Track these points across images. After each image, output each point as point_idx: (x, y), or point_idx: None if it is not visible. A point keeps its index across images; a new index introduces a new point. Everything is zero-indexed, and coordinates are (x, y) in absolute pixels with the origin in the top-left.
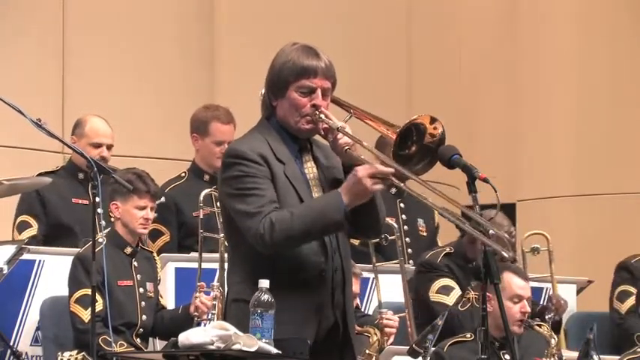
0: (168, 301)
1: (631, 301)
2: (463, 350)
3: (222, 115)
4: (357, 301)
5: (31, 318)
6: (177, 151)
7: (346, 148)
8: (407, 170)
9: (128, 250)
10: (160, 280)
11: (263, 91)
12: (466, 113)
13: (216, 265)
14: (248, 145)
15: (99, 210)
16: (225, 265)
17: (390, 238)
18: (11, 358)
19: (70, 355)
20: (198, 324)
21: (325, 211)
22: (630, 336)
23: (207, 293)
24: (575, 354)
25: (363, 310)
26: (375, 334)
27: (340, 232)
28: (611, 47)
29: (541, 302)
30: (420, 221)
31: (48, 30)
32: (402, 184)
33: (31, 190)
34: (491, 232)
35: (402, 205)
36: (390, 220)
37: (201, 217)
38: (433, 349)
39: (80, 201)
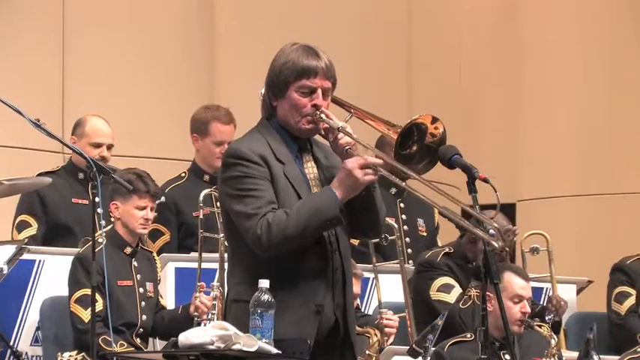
0: (168, 301)
1: (630, 302)
2: (463, 350)
3: (222, 115)
4: (357, 301)
5: (31, 318)
6: (178, 151)
7: (347, 147)
8: (408, 169)
9: (128, 250)
10: (159, 280)
11: (263, 91)
12: (466, 113)
13: (216, 265)
14: (248, 146)
15: (99, 210)
16: (225, 265)
17: (390, 238)
18: (11, 358)
19: (70, 356)
20: (198, 324)
21: (320, 207)
22: (633, 336)
23: (207, 293)
24: (575, 354)
25: (363, 310)
26: (376, 334)
27: (340, 232)
28: (612, 48)
29: (541, 302)
30: (420, 221)
31: (48, 30)
32: (404, 184)
33: (31, 190)
34: (491, 231)
35: (402, 205)
36: (390, 220)
37: (201, 217)
38: (433, 349)
39: (80, 201)
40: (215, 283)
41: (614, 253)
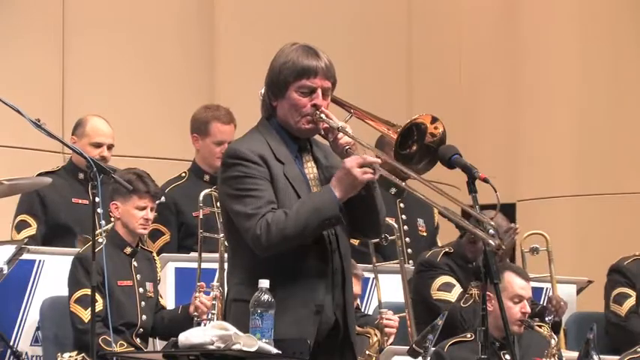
0: (168, 301)
1: (630, 303)
2: (463, 350)
3: (222, 115)
4: (357, 301)
5: (31, 318)
6: (178, 151)
7: (347, 147)
8: (408, 169)
9: (128, 250)
10: (159, 280)
11: (263, 91)
12: (466, 113)
13: (216, 265)
14: (247, 146)
15: (99, 210)
16: (225, 265)
17: (390, 238)
18: (11, 358)
19: (70, 356)
20: (198, 324)
21: (319, 207)
22: (635, 337)
23: (207, 293)
24: (575, 354)
25: (363, 310)
26: (376, 334)
27: (340, 232)
28: (612, 48)
29: (541, 302)
30: (420, 221)
31: (48, 30)
32: (403, 184)
33: (31, 190)
34: (491, 231)
35: (401, 205)
36: (390, 220)
37: (201, 217)
38: (433, 349)
39: (80, 201)
40: (215, 283)
41: (614, 253)
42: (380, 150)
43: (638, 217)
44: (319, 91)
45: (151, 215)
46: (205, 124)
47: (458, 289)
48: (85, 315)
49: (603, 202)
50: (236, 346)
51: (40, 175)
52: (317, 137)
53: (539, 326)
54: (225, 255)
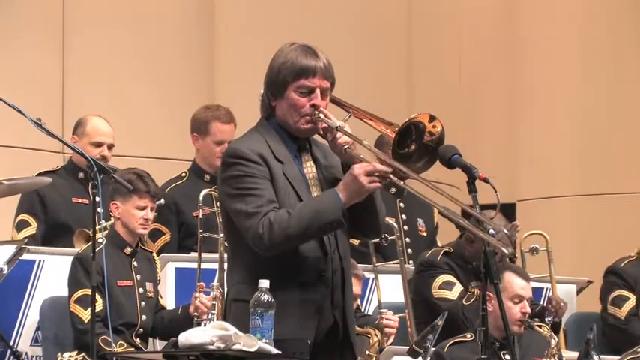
0: (168, 301)
1: (629, 305)
2: (463, 350)
3: (222, 114)
4: (358, 301)
5: (31, 318)
6: (178, 151)
7: (345, 147)
8: (407, 169)
9: (128, 250)
10: (159, 280)
11: (262, 92)
12: (466, 113)
13: (215, 265)
14: (247, 145)
15: (99, 210)
16: (225, 265)
17: (390, 238)
18: (11, 358)
19: (70, 356)
20: (198, 324)
21: (323, 210)
22: (637, 339)
23: (207, 293)
24: (575, 354)
25: (363, 310)
26: (376, 334)
27: (339, 233)
28: (612, 48)
29: (540, 302)
30: (420, 221)
31: (48, 30)
32: (402, 183)
33: (31, 190)
34: (491, 231)
35: (401, 205)
36: (390, 220)
37: (201, 217)
38: (433, 349)
39: (80, 200)
40: (215, 283)
41: (614, 253)
42: (379, 150)
43: (638, 217)
44: (318, 91)
45: (151, 215)
46: (205, 123)
47: (459, 288)
48: (85, 315)
49: (603, 202)
50: (236, 346)
51: (40, 174)
52: (316, 137)
53: (539, 326)
54: (225, 255)
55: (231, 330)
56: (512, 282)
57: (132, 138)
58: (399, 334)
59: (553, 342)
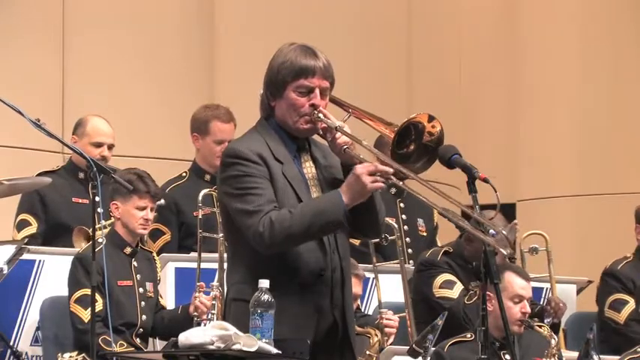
0: (168, 301)
1: (629, 309)
2: (463, 350)
3: (222, 114)
4: (358, 301)
5: (31, 318)
6: (178, 151)
7: (345, 147)
8: (407, 169)
9: (128, 250)
10: (159, 280)
11: (262, 92)
12: (466, 113)
13: (215, 265)
14: (247, 145)
15: (99, 210)
16: (225, 265)
17: (390, 238)
18: (11, 358)
19: (70, 356)
20: (198, 324)
21: (325, 210)
22: (637, 342)
23: (207, 293)
24: (575, 354)
25: (363, 310)
26: (376, 334)
27: (339, 233)
28: (612, 48)
29: (540, 302)
30: (420, 221)
31: (48, 30)
32: (402, 183)
33: (31, 189)
34: (491, 231)
35: (401, 205)
36: (390, 220)
37: (200, 217)
38: (433, 349)
39: (80, 200)
40: (214, 283)
41: (614, 253)
42: (379, 150)
43: None
44: (317, 91)
45: (151, 215)
46: (205, 123)
47: (459, 287)
48: (85, 315)
49: (603, 202)
50: (236, 346)
51: (40, 174)
52: (315, 137)
53: (540, 326)
54: (225, 255)
55: (231, 330)
56: (513, 282)
57: (132, 138)
58: (399, 334)
59: (553, 342)
